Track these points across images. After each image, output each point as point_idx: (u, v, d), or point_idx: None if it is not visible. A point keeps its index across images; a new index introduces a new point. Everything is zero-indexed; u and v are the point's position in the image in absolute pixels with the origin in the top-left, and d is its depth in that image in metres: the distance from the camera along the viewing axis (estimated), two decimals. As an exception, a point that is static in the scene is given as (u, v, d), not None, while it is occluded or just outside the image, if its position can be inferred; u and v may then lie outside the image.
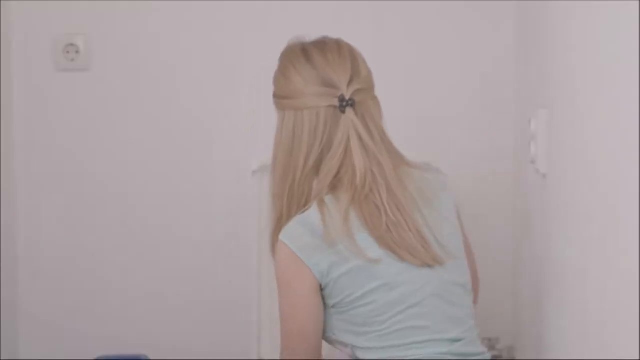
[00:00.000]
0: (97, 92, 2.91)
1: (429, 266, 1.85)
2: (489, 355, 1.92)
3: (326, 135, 1.89)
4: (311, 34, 3.02)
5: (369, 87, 1.95)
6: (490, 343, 2.83)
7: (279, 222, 1.91)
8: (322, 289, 1.86)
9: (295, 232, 1.85)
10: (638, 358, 1.26)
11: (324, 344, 1.93)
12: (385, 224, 1.84)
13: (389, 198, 1.85)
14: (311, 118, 1.90)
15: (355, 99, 1.89)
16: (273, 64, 2.94)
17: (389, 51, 2.87)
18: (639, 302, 1.26)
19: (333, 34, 2.91)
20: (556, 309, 1.91)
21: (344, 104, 1.89)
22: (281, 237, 1.86)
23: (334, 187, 1.87)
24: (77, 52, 2.89)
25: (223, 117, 2.92)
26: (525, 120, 2.28)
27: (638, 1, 1.28)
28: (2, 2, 2.83)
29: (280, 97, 1.96)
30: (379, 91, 2.92)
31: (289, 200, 1.90)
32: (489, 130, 2.86)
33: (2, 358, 2.83)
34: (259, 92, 2.91)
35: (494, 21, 2.83)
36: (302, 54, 1.94)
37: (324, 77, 1.91)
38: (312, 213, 1.85)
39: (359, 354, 1.86)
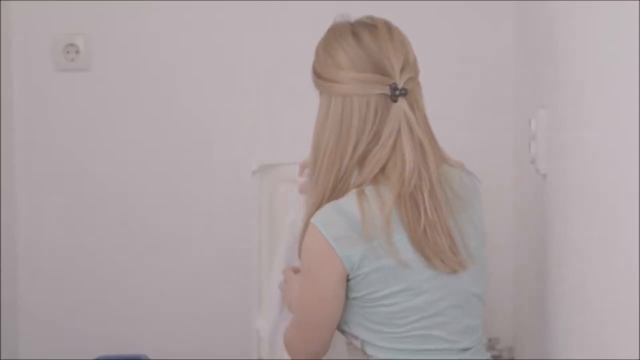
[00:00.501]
0: (97, 92, 2.91)
1: (455, 272, 1.82)
2: None
3: (375, 125, 1.81)
4: (311, 35, 3.03)
5: (417, 75, 1.87)
6: (490, 343, 2.83)
7: (316, 194, 1.84)
8: (347, 280, 1.81)
9: (330, 219, 1.78)
10: (638, 358, 1.26)
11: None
12: (423, 226, 1.78)
13: (430, 198, 1.80)
14: (361, 106, 1.81)
15: (407, 87, 1.83)
16: (273, 64, 2.96)
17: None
18: (639, 302, 1.26)
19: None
20: (556, 309, 1.91)
21: (397, 92, 1.81)
22: (314, 221, 1.80)
23: (375, 180, 1.80)
24: (77, 52, 2.89)
25: (223, 117, 2.92)
26: (525, 120, 2.28)
27: (638, 1, 1.28)
28: (2, 2, 2.83)
29: (327, 81, 1.85)
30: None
31: (332, 189, 1.82)
32: (489, 130, 2.86)
33: (2, 358, 2.83)
34: (259, 92, 2.92)
35: (494, 21, 2.83)
36: (353, 38, 1.85)
37: (376, 63, 1.82)
38: (350, 203, 1.78)
39: (369, 350, 1.84)
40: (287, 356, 2.05)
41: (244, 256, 2.90)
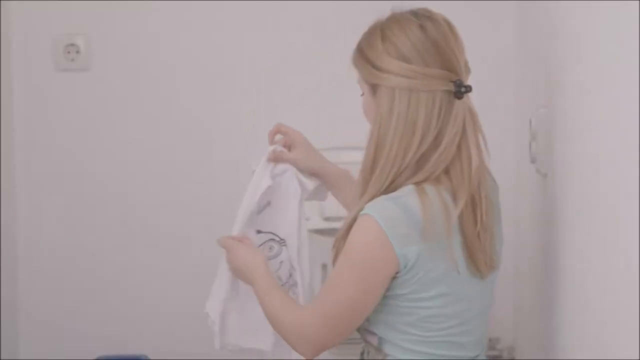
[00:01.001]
0: (97, 92, 2.91)
1: (486, 277, 1.81)
2: None
3: (440, 123, 1.75)
4: (311, 35, 3.02)
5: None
6: (491, 343, 2.83)
7: (364, 186, 1.78)
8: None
9: (391, 213, 1.71)
10: (638, 358, 1.26)
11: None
12: (478, 230, 1.76)
13: (486, 200, 1.78)
14: (427, 102, 1.75)
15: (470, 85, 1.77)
16: (273, 64, 2.95)
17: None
18: (639, 302, 1.26)
19: (334, 34, 2.92)
20: (556, 309, 1.91)
21: (462, 89, 1.76)
22: (373, 213, 1.72)
23: (437, 180, 1.75)
24: (77, 52, 2.89)
25: (223, 117, 2.92)
26: (525, 120, 2.28)
27: (638, 1, 1.28)
28: (2, 2, 2.83)
29: (392, 74, 1.76)
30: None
31: (389, 185, 1.75)
32: (489, 130, 2.86)
33: (2, 358, 2.83)
34: (259, 92, 2.92)
35: (494, 21, 2.83)
36: (420, 30, 1.78)
37: (443, 58, 1.76)
38: (411, 199, 1.72)
39: (387, 348, 1.80)
40: (238, 342, 2.02)
41: (244, 256, 2.90)
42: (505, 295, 2.84)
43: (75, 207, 2.93)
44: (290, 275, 2.04)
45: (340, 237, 1.80)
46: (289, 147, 2.08)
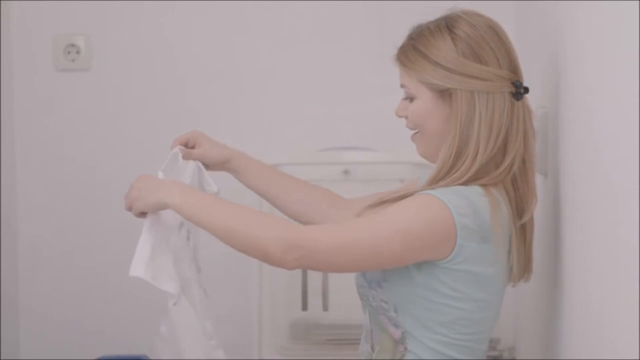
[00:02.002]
0: (98, 92, 2.91)
1: (515, 285, 1.84)
2: None
3: (506, 123, 1.75)
4: (311, 35, 3.02)
5: None
6: (491, 344, 2.83)
7: (433, 184, 1.76)
8: (432, 264, 1.71)
9: (461, 206, 1.69)
10: (638, 358, 1.26)
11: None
12: (527, 242, 1.78)
13: (536, 204, 1.79)
14: (501, 103, 1.75)
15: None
16: (273, 64, 2.96)
17: (390, 51, 2.86)
18: (639, 302, 1.26)
19: (334, 34, 2.93)
20: (557, 310, 1.91)
21: (522, 91, 1.77)
22: (445, 199, 1.68)
23: (503, 184, 1.76)
24: (77, 52, 2.89)
25: (223, 117, 2.92)
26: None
27: (638, 1, 1.28)
28: (2, 2, 2.84)
29: (471, 77, 1.74)
30: (380, 91, 2.93)
31: (464, 182, 1.73)
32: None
33: (2, 357, 2.83)
34: (258, 92, 2.92)
35: (494, 21, 2.83)
36: (493, 32, 1.78)
37: (511, 60, 1.78)
38: (481, 201, 1.71)
39: (410, 344, 1.77)
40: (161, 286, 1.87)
41: (244, 256, 2.90)
42: (506, 296, 2.83)
43: (76, 207, 2.93)
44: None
45: (385, 201, 1.76)
46: (192, 147, 2.05)
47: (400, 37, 2.93)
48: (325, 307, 2.76)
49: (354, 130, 2.91)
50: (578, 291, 1.70)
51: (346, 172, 2.86)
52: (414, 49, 1.79)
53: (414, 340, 1.77)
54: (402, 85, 1.81)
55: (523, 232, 1.79)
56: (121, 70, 2.91)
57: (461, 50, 1.75)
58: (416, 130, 1.81)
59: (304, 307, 2.76)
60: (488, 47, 1.76)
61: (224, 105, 2.91)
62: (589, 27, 1.63)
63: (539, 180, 2.14)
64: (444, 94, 1.76)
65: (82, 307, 2.95)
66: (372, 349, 1.84)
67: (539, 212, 2.19)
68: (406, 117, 1.81)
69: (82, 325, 2.95)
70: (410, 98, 1.80)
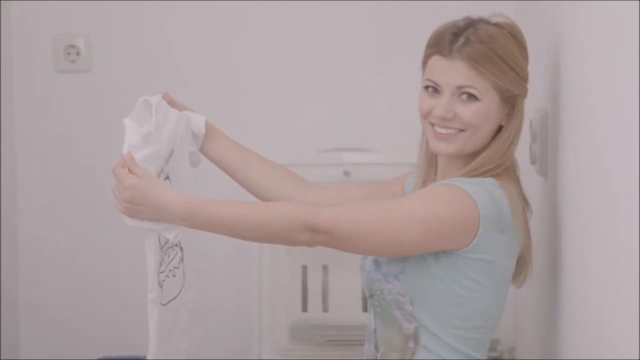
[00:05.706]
0: (98, 93, 2.91)
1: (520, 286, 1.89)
2: None
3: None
4: (311, 35, 3.03)
5: None
6: (491, 344, 2.82)
7: (469, 174, 1.78)
8: (452, 254, 1.73)
9: (483, 196, 1.72)
10: (638, 358, 1.26)
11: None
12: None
13: None
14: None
15: None
16: (273, 64, 2.96)
17: (390, 51, 2.86)
18: (639, 302, 1.26)
19: (334, 34, 2.93)
20: (557, 310, 1.91)
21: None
22: (468, 189, 1.71)
23: (516, 178, 1.83)
24: (77, 53, 2.89)
25: (223, 117, 2.91)
26: (526, 120, 2.28)
27: (638, 1, 1.28)
28: (2, 2, 2.84)
29: (526, 84, 1.81)
30: (380, 91, 2.93)
31: (476, 175, 1.78)
32: (489, 131, 2.86)
33: (2, 357, 2.83)
34: (259, 92, 2.92)
35: (494, 22, 2.83)
36: (521, 38, 1.82)
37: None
38: (499, 192, 1.75)
39: (424, 338, 1.77)
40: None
41: (245, 256, 2.90)
42: (506, 296, 2.84)
43: (76, 207, 2.93)
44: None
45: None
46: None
47: (400, 37, 2.95)
48: (325, 308, 2.76)
49: (354, 131, 2.91)
50: (578, 291, 1.70)
51: (346, 173, 2.86)
52: (493, 52, 1.75)
53: (428, 334, 1.77)
54: (461, 86, 1.76)
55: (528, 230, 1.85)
56: (121, 71, 2.91)
57: (525, 57, 1.80)
58: (460, 129, 1.78)
59: (304, 308, 2.76)
60: (526, 53, 1.82)
61: (224, 105, 2.91)
62: (589, 27, 1.63)
63: (538, 181, 2.14)
64: (509, 98, 1.79)
65: (82, 307, 2.95)
66: (376, 348, 1.84)
67: (538, 213, 2.19)
68: (451, 117, 1.77)
69: (82, 325, 2.95)
70: (466, 96, 1.76)
